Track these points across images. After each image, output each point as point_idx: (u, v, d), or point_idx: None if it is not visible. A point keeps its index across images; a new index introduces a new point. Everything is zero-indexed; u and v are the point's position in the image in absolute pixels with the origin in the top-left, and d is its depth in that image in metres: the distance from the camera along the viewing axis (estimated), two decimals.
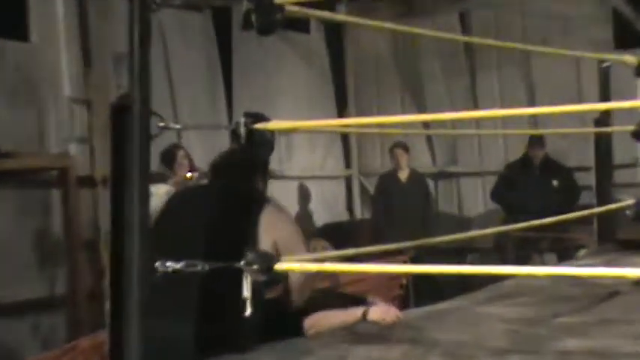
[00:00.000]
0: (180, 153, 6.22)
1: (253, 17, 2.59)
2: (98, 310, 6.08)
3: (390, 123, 3.03)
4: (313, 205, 9.29)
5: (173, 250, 2.54)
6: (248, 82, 8.53)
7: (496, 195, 8.66)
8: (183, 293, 2.98)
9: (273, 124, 2.71)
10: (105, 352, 2.52)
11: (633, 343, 3.19)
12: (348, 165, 10.09)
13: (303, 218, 9.02)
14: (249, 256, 2.66)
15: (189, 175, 6.11)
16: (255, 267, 2.65)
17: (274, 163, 8.74)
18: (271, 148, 2.80)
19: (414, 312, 3.96)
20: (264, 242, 3.34)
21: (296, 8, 2.73)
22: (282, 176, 8.68)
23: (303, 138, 9.19)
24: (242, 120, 2.70)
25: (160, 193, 5.98)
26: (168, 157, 6.17)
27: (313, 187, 9.33)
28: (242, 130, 2.70)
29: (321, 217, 9.37)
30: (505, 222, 8.26)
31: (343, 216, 9.91)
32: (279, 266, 2.70)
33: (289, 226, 3.53)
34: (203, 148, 7.42)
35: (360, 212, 10.01)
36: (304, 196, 9.20)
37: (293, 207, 8.98)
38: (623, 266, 4.95)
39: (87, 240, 6.95)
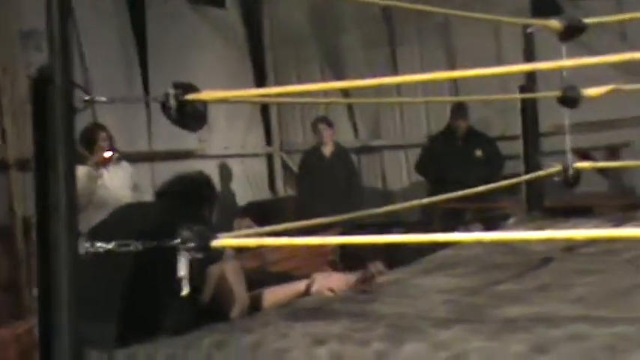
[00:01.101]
0: (102, 134, 5.96)
1: None
2: (16, 301, 5.84)
3: (312, 90, 2.93)
4: (235, 184, 9.13)
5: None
6: (163, 58, 8.28)
7: (420, 167, 8.64)
8: (114, 275, 2.84)
9: (205, 95, 2.57)
10: (25, 344, 2.37)
11: (572, 307, 3.17)
12: (269, 142, 9.96)
13: (226, 198, 8.85)
14: (185, 233, 2.54)
15: (108, 155, 5.86)
16: (190, 245, 2.52)
17: (192, 142, 8.58)
18: (204, 121, 2.66)
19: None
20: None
21: None
22: (201, 155, 8.50)
23: (221, 115, 9.01)
24: (172, 91, 2.55)
25: (78, 176, 5.76)
26: (88, 137, 5.92)
27: (234, 166, 9.17)
28: (172, 103, 2.56)
29: (243, 196, 9.22)
30: (430, 195, 8.27)
31: (266, 194, 9.78)
32: (217, 243, 2.58)
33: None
34: (118, 128, 7.18)
35: (283, 190, 9.90)
36: (225, 175, 9.02)
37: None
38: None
39: (2, 226, 6.67)
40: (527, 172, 5.50)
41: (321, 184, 8.17)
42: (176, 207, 3.35)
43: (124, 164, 6.20)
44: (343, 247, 7.84)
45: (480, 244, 4.53)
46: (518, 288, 3.63)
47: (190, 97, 2.54)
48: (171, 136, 8.12)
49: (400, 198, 9.42)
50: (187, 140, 8.36)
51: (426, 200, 6.54)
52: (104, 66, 7.75)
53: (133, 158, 7.33)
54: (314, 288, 3.49)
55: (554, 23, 4.89)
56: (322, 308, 3.33)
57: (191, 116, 2.56)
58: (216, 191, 3.80)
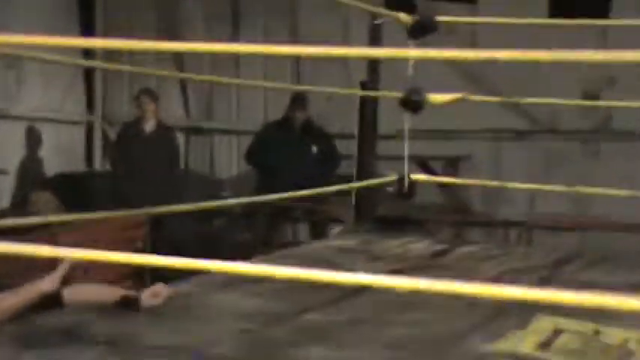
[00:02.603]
0: None
1: None
2: None
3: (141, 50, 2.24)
4: (44, 152, 8.18)
5: None
6: None
7: (251, 156, 8.04)
8: None
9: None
10: None
11: (387, 355, 2.63)
12: (90, 110, 9.03)
13: (30, 166, 7.91)
14: None
15: None
16: None
17: None
18: None
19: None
20: None
21: None
22: (6, 115, 7.54)
23: (37, 73, 8.05)
24: None
25: None
26: None
27: (46, 131, 8.21)
28: None
29: (53, 165, 8.29)
30: (259, 186, 7.72)
31: (81, 166, 8.88)
32: None
33: None
34: None
35: (100, 164, 9.02)
36: (34, 140, 8.06)
37: (18, 152, 7.86)
38: (380, 251, 4.50)
39: None
40: (359, 177, 5.08)
41: (138, 162, 7.38)
42: None
43: None
44: (156, 234, 7.19)
45: (289, 260, 3.98)
46: (328, 320, 3.06)
47: None
48: None
49: (228, 186, 8.79)
50: None
51: (251, 199, 6.01)
52: None
53: None
54: (67, 295, 2.75)
55: (404, 17, 4.40)
56: (74, 331, 2.60)
57: None
58: None
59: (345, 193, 5.73)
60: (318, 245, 4.94)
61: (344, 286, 3.54)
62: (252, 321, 2.98)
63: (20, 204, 7.46)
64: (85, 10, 8.83)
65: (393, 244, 4.63)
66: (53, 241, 6.23)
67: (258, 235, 7.74)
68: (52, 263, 2.80)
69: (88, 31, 8.71)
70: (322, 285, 3.48)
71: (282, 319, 3.06)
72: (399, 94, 4.28)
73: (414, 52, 1.91)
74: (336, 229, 6.11)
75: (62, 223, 5.58)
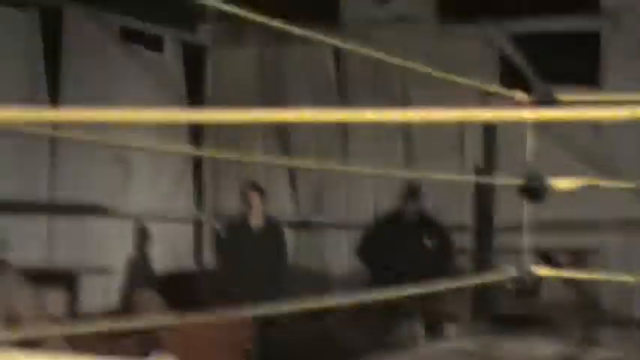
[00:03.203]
0: None
1: None
2: None
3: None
4: (152, 249, 8.01)
5: None
6: (80, 102, 7.13)
7: (362, 253, 7.70)
8: None
9: None
10: None
11: None
12: (199, 205, 8.88)
13: (139, 265, 7.75)
14: None
15: None
16: None
17: (106, 197, 7.52)
18: None
19: None
20: None
21: None
22: (115, 213, 7.43)
23: (145, 168, 7.96)
24: None
25: None
26: None
27: (155, 228, 8.06)
28: None
29: (161, 263, 8.11)
30: (371, 282, 7.39)
31: (190, 263, 8.69)
32: None
33: None
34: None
35: (210, 261, 8.80)
36: (143, 237, 7.91)
37: (125, 249, 7.72)
38: (497, 352, 4.04)
39: None
40: (475, 272, 4.64)
41: (244, 260, 7.12)
42: None
43: None
44: (265, 334, 6.90)
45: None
46: None
47: None
48: (77, 185, 7.07)
49: (339, 283, 8.43)
50: (96, 192, 7.31)
51: (362, 297, 5.65)
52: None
53: (25, 208, 6.29)
54: None
55: (521, 96, 4.03)
56: None
57: None
58: None
59: (461, 290, 5.31)
60: (432, 349, 4.50)
61: None
62: None
63: (126, 303, 7.29)
64: (194, 95, 8.78)
65: (516, 348, 4.15)
66: (158, 343, 5.99)
67: (370, 333, 7.34)
68: None
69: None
70: None
71: None
72: (517, 181, 3.90)
73: (528, 114, 1.54)
74: (450, 328, 5.65)
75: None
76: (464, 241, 6.38)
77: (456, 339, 4.73)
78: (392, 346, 6.52)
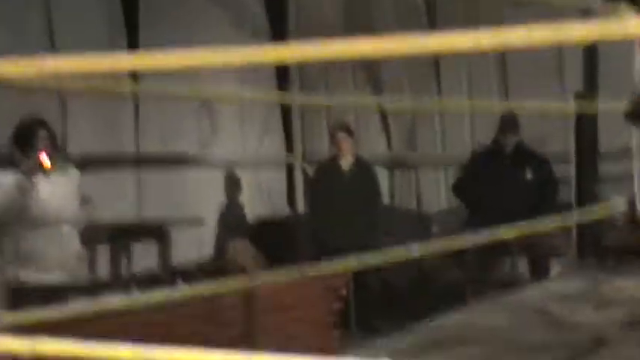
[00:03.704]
0: (41, 132, 4.75)
1: None
2: None
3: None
4: (245, 197, 7.90)
5: None
6: (159, 43, 7.00)
7: (458, 189, 7.42)
8: None
9: None
10: None
11: None
12: (289, 149, 8.68)
13: (231, 214, 7.65)
14: None
15: (46, 161, 4.63)
16: None
17: (193, 145, 7.42)
18: None
19: None
20: None
21: None
22: (204, 163, 7.32)
23: (233, 114, 7.81)
24: None
25: (4, 185, 4.61)
26: (23, 135, 4.74)
27: (245, 176, 7.93)
28: None
29: (254, 211, 7.99)
30: (470, 220, 7.11)
31: (284, 209, 8.55)
32: None
33: None
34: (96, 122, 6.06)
35: (303, 206, 8.65)
36: (233, 186, 7.79)
37: (218, 199, 7.63)
38: (612, 295, 3.73)
39: None
40: (580, 204, 4.33)
41: (336, 204, 6.93)
42: None
43: (72, 171, 5.00)
44: (361, 279, 6.73)
45: (501, 308, 3.32)
46: None
47: None
48: (165, 136, 6.97)
49: (436, 222, 8.18)
50: (184, 142, 7.20)
51: (465, 237, 5.38)
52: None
53: (112, 160, 6.23)
54: None
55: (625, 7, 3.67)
56: None
57: None
58: None
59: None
60: (536, 291, 4.21)
61: (569, 345, 2.85)
62: None
63: (219, 254, 7.23)
64: (277, 40, 8.52)
65: (627, 285, 3.84)
66: (252, 295, 5.88)
67: (471, 273, 7.08)
68: None
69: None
70: (539, 345, 2.82)
71: None
72: (622, 105, 3.57)
73: (635, 27, 1.24)
74: (555, 268, 5.34)
75: None
76: (567, 171, 6.03)
77: (560, 278, 4.42)
78: (495, 284, 6.27)
